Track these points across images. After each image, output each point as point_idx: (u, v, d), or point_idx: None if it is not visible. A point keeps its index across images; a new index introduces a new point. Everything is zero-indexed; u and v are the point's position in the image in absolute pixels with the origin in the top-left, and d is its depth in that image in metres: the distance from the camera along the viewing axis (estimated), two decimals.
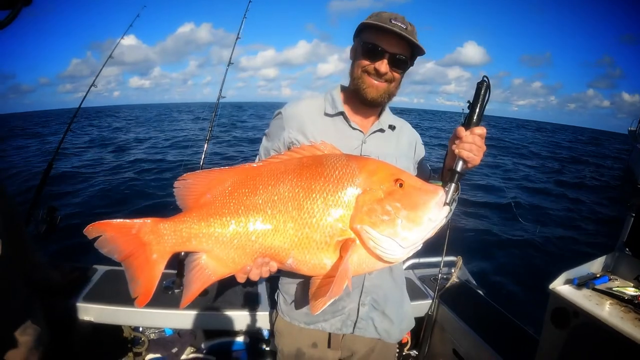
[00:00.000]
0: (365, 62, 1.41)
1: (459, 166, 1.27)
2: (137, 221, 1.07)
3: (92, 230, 1.04)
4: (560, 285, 1.72)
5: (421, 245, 1.07)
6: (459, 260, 2.64)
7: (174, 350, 2.70)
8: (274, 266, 1.11)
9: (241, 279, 1.12)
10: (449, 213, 1.12)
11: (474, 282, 2.73)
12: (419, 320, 2.50)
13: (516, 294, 5.06)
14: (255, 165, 1.17)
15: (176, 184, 1.12)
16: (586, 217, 9.92)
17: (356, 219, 1.03)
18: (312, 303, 1.07)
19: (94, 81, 3.31)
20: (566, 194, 12.39)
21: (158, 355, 2.70)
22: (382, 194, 1.04)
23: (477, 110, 1.27)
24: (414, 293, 2.59)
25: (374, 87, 1.42)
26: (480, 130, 1.26)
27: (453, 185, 1.27)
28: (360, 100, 1.48)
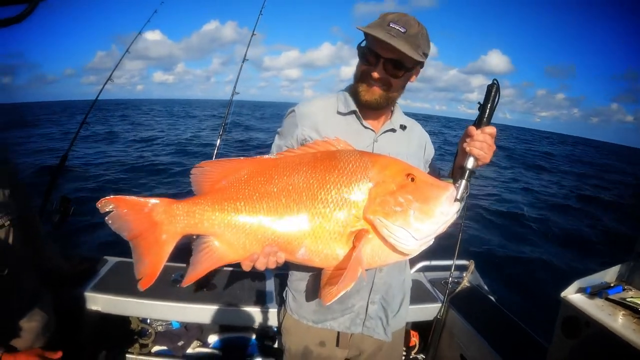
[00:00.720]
0: (363, 67, 1.44)
1: (470, 163, 1.31)
2: (151, 200, 1.10)
3: (105, 203, 1.06)
4: (572, 294, 1.71)
5: (433, 240, 1.11)
6: (470, 264, 2.63)
7: (180, 343, 2.74)
8: (281, 257, 1.13)
9: (247, 266, 1.14)
10: (459, 209, 1.14)
11: (486, 287, 2.70)
12: (427, 324, 2.51)
13: (528, 301, 5.03)
14: (271, 157, 1.21)
15: (193, 170, 1.16)
16: (601, 231, 9.80)
17: (369, 210, 1.06)
18: (323, 292, 1.10)
19: (110, 75, 3.38)
20: (582, 208, 12.23)
21: (164, 348, 2.75)
22: (394, 186, 1.08)
23: (488, 110, 1.31)
24: (424, 296, 2.60)
25: (369, 91, 1.44)
26: (491, 129, 1.30)
27: (464, 182, 1.30)
28: (358, 102, 1.51)
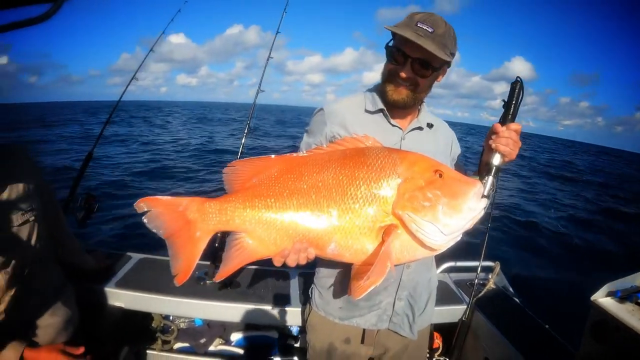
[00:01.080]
0: (391, 66, 1.48)
1: (496, 160, 1.34)
2: (185, 199, 1.16)
3: (141, 205, 1.13)
4: (602, 297, 1.69)
5: (461, 236, 1.13)
6: (496, 265, 2.59)
7: (203, 340, 2.78)
8: (312, 253, 1.18)
9: (278, 262, 1.19)
10: (486, 206, 1.17)
11: (511, 289, 2.67)
12: (451, 326, 2.51)
13: (554, 304, 4.98)
14: (300, 154, 1.26)
15: (225, 170, 1.22)
16: (625, 244, 9.56)
17: (398, 205, 1.10)
18: (353, 287, 1.13)
19: (134, 75, 3.42)
20: (605, 219, 11.89)
21: (186, 345, 2.79)
22: (422, 182, 1.12)
23: (512, 108, 1.34)
24: (449, 297, 2.59)
25: (396, 90, 1.48)
26: (516, 126, 1.33)
27: (490, 178, 1.33)
28: (386, 101, 1.54)
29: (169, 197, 1.16)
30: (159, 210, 1.14)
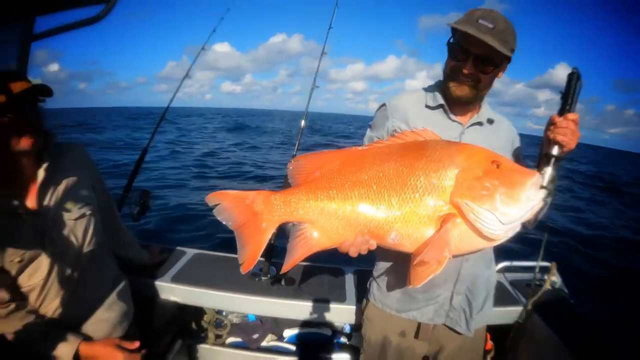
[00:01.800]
0: (452, 63, 1.55)
1: (555, 150, 1.39)
2: (251, 193, 1.30)
3: (211, 198, 1.27)
4: None
5: (520, 227, 1.20)
6: (553, 266, 2.52)
7: (255, 336, 2.89)
8: (373, 244, 1.27)
9: (342, 251, 1.30)
10: (546, 196, 1.22)
11: (566, 290, 2.61)
12: (504, 328, 2.47)
13: (612, 308, 4.82)
14: (361, 148, 1.37)
15: (289, 164, 1.35)
16: None
17: (456, 194, 1.18)
18: (413, 275, 1.22)
19: (187, 72, 3.53)
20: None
21: (239, 340, 2.91)
22: (480, 172, 1.18)
23: (569, 98, 1.39)
24: (504, 298, 2.55)
25: (459, 87, 1.54)
26: (573, 116, 1.37)
27: (550, 168, 1.39)
28: (448, 97, 1.61)
29: (236, 191, 1.30)
30: (227, 204, 1.28)
